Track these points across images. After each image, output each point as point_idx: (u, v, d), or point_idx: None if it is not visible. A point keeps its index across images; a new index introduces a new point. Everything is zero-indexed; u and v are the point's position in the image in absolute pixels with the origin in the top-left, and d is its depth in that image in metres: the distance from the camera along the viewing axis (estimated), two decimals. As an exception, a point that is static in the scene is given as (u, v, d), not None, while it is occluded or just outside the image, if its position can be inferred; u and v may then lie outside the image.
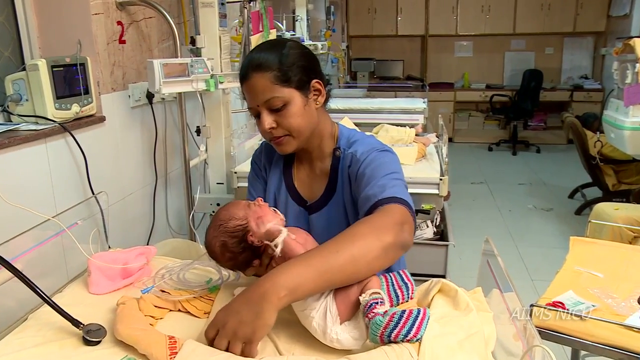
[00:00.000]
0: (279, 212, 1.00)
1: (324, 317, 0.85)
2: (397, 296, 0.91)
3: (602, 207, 2.50)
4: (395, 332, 0.78)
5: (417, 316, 0.80)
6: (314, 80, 1.11)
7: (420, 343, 0.79)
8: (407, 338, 0.78)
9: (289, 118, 1.07)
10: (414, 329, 0.79)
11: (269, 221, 0.95)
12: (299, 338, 0.89)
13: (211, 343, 0.80)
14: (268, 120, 1.07)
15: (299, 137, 1.11)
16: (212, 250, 0.99)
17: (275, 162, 1.25)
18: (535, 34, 6.70)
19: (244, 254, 0.97)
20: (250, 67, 1.06)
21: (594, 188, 4.20)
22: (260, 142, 2.45)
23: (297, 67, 1.07)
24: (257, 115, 1.09)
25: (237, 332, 0.78)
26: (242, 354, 0.78)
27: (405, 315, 0.79)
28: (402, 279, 0.93)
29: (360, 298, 0.84)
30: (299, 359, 0.82)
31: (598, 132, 3.82)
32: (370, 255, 0.85)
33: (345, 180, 1.15)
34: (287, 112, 1.06)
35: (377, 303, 0.82)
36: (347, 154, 1.14)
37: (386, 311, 0.81)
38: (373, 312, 0.81)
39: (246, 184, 1.94)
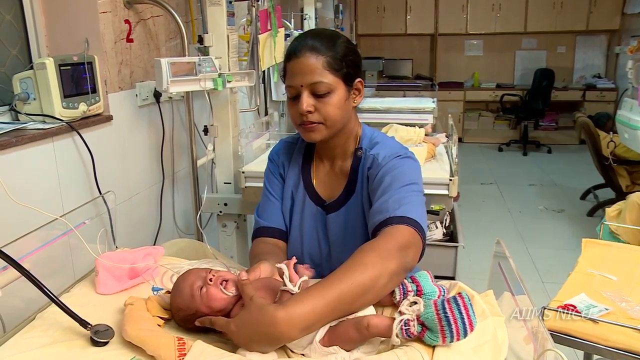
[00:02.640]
0: (229, 287, 0.90)
1: None
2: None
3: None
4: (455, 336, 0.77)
5: (459, 309, 0.77)
6: (358, 80, 1.12)
7: (433, 349, 0.78)
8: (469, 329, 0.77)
9: (329, 106, 1.06)
10: (467, 321, 0.76)
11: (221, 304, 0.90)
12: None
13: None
14: (308, 101, 1.06)
15: (331, 128, 1.10)
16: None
17: (294, 161, 1.24)
18: (547, 32, 6.62)
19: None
20: (305, 46, 1.05)
21: (606, 189, 4.14)
22: (268, 141, 2.45)
23: (349, 60, 1.08)
24: (295, 97, 1.08)
25: (247, 349, 0.81)
26: None
27: (449, 322, 0.76)
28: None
29: (394, 342, 0.80)
30: None
31: (611, 132, 3.76)
32: (379, 284, 0.86)
33: (364, 181, 1.14)
34: (328, 100, 1.06)
35: (408, 329, 0.79)
36: (369, 155, 1.14)
37: (422, 323, 0.79)
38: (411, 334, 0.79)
39: (253, 184, 1.96)
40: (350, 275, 0.84)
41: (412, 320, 0.79)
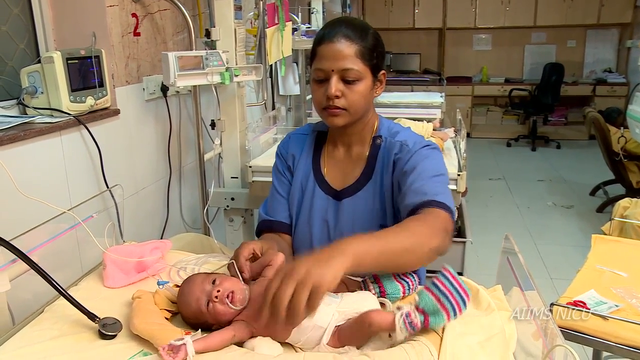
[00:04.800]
0: (236, 300, 0.88)
1: None
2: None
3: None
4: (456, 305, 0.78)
5: (449, 281, 0.79)
6: (382, 72, 1.16)
7: (440, 342, 0.78)
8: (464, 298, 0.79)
9: (356, 94, 1.10)
10: (460, 290, 0.79)
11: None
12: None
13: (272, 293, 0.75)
14: (337, 86, 1.09)
15: (353, 115, 1.13)
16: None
17: (305, 151, 1.26)
18: (557, 26, 6.54)
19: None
20: (339, 32, 1.08)
21: (616, 185, 4.09)
22: (275, 135, 2.45)
23: (378, 51, 1.13)
24: (322, 80, 1.11)
25: (307, 277, 0.73)
26: (306, 305, 0.73)
27: (447, 296, 0.78)
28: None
29: (398, 337, 0.79)
30: (316, 355, 0.81)
31: (622, 128, 3.71)
32: (420, 252, 0.89)
33: (386, 166, 1.17)
34: (355, 87, 1.10)
35: (411, 321, 0.79)
36: (394, 142, 1.17)
37: (422, 311, 0.79)
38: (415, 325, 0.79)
39: (260, 178, 1.96)
40: (400, 235, 0.89)
41: (412, 312, 0.79)
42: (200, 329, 0.86)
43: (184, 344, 0.76)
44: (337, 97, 1.09)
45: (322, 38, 1.10)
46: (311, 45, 1.15)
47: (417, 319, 0.78)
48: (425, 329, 0.79)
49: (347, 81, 1.09)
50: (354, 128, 1.18)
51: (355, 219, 1.18)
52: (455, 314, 0.78)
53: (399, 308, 0.81)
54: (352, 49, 1.08)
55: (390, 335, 0.81)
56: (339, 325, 0.84)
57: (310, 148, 1.26)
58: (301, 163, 1.25)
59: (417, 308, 0.79)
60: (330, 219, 1.21)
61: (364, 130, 1.20)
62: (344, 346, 0.83)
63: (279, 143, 1.33)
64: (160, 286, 1.01)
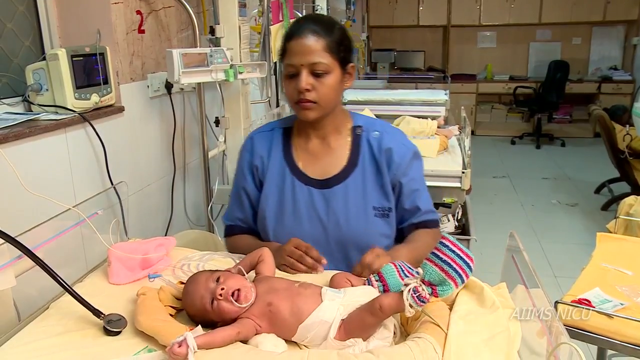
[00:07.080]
0: (241, 298, 0.89)
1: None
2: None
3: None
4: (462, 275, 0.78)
5: (450, 249, 0.79)
6: (351, 65, 1.19)
7: (445, 339, 0.77)
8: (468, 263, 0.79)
9: (325, 87, 1.14)
10: (463, 255, 0.78)
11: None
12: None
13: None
14: (308, 80, 1.13)
15: (324, 108, 1.17)
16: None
17: (274, 149, 1.27)
18: (562, 23, 6.50)
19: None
20: (307, 28, 1.13)
21: (621, 183, 4.07)
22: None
23: (345, 45, 1.17)
24: (292, 75, 1.15)
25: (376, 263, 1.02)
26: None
27: (450, 265, 0.78)
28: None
29: (409, 312, 0.80)
30: (320, 352, 0.81)
31: (627, 125, 3.70)
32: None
33: (376, 155, 1.22)
34: (325, 80, 1.13)
35: (419, 295, 0.79)
36: (384, 136, 1.23)
37: (429, 283, 0.80)
38: (424, 298, 0.80)
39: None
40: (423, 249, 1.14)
41: (419, 286, 0.80)
42: (200, 325, 0.86)
43: (185, 339, 0.76)
44: (308, 90, 1.12)
45: (290, 35, 1.14)
46: None
47: (425, 291, 0.79)
48: (435, 298, 0.80)
49: (316, 74, 1.12)
50: (328, 120, 1.22)
51: (348, 204, 1.21)
52: (462, 280, 0.78)
53: (406, 284, 0.81)
54: (320, 44, 1.12)
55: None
56: (344, 319, 0.84)
57: (279, 144, 1.27)
58: (273, 161, 1.25)
59: (423, 281, 0.80)
60: (320, 208, 1.22)
61: (336, 121, 1.24)
62: (350, 338, 0.83)
63: (242, 146, 1.34)
64: (152, 279, 1.01)
